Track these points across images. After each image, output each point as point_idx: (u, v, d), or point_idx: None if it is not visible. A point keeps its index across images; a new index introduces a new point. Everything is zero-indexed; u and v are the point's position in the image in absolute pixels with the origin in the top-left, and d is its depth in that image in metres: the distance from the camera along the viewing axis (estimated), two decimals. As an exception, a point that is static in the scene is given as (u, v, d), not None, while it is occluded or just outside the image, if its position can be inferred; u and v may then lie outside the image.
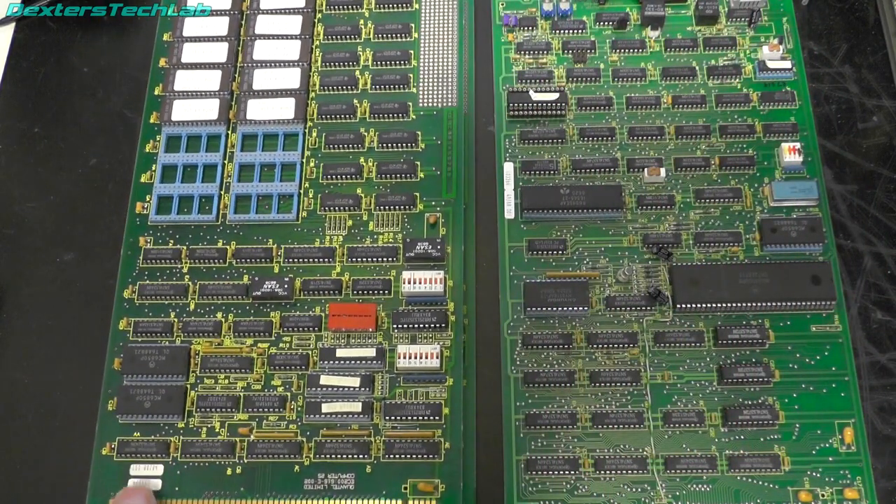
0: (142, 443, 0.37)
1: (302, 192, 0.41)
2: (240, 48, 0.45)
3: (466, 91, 0.43)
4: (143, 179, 0.42)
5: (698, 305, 0.38)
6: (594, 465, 0.35)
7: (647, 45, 0.44)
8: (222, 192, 0.42)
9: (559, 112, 0.42)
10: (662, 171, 0.41)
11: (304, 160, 0.42)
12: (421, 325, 0.38)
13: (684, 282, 0.38)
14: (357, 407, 0.36)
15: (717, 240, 0.39)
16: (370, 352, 0.37)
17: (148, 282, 0.40)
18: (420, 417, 0.36)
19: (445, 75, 0.44)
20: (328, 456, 0.36)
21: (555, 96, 0.42)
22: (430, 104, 0.43)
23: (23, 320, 0.40)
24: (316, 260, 0.40)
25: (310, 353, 0.38)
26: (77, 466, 0.37)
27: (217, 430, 0.37)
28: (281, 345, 0.38)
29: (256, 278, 0.39)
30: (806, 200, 0.40)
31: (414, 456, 0.36)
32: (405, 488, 0.35)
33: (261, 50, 0.44)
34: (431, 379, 0.37)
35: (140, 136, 0.43)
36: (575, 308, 0.38)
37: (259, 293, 0.39)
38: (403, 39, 0.45)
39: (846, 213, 0.40)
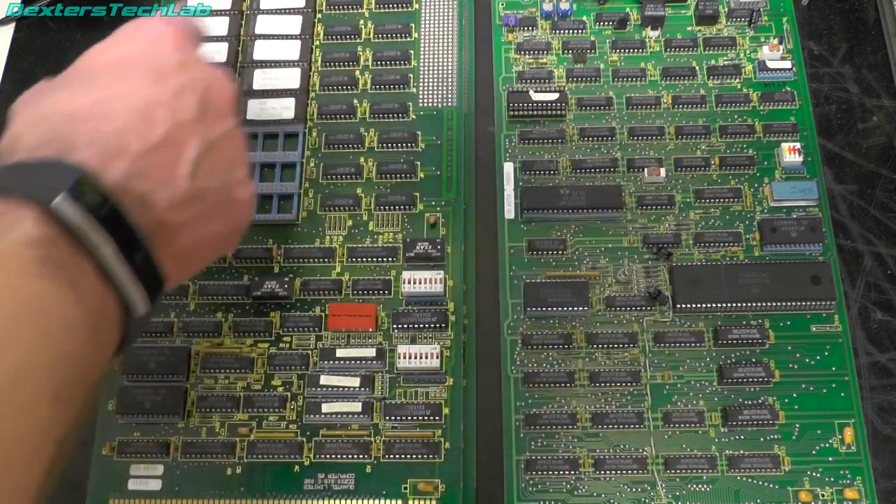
0: (142, 443, 0.37)
1: (302, 192, 0.41)
2: (240, 48, 0.45)
3: (466, 91, 0.43)
4: (143, 179, 0.42)
5: (698, 305, 0.38)
6: (594, 465, 0.35)
7: (647, 45, 0.44)
8: (222, 192, 0.42)
9: (559, 112, 0.42)
10: (662, 171, 0.41)
11: (304, 160, 0.42)
12: (421, 325, 0.38)
13: (684, 282, 0.38)
14: (357, 407, 0.36)
15: (717, 240, 0.39)
16: (370, 352, 0.37)
17: (148, 282, 0.40)
18: (420, 417, 0.36)
19: (445, 75, 0.44)
20: (328, 456, 0.36)
21: (555, 96, 0.42)
22: (430, 104, 0.43)
23: (23, 320, 0.40)
24: (316, 260, 0.40)
25: (310, 353, 0.38)
26: (77, 466, 0.37)
27: (217, 430, 0.37)
28: (281, 345, 0.38)
29: (256, 278, 0.39)
30: (806, 200, 0.40)
31: (414, 456, 0.36)
32: (405, 488, 0.35)
33: (261, 50, 0.44)
34: (431, 379, 0.37)
35: (140, 136, 0.43)
36: (575, 308, 0.38)
37: (259, 293, 0.39)
38: (403, 39, 0.45)
39: (846, 213, 0.40)
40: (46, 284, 0.22)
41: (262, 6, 0.46)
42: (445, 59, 0.44)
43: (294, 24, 0.45)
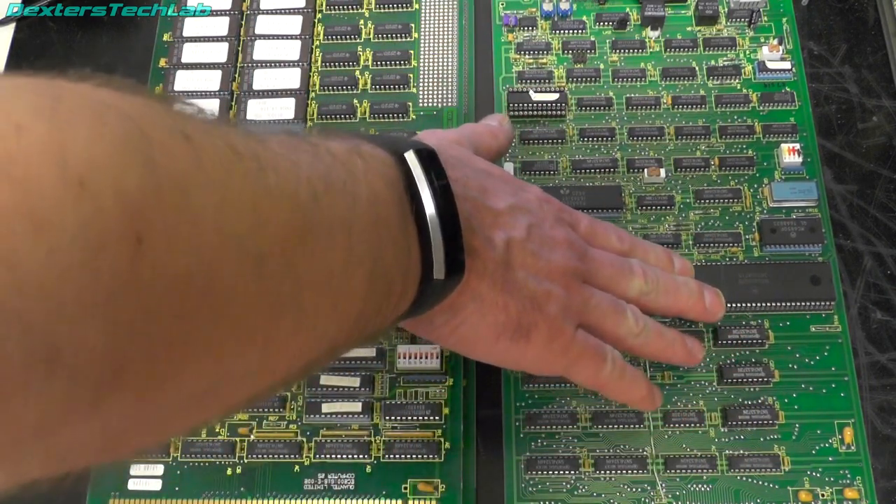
0: (142, 443, 0.36)
1: (302, 192, 0.41)
2: (240, 48, 0.45)
3: (466, 91, 0.43)
4: (143, 179, 0.42)
5: (698, 305, 0.38)
6: (594, 465, 0.35)
7: (647, 45, 0.44)
8: (222, 192, 0.42)
9: (559, 112, 0.42)
10: (662, 171, 0.41)
11: (304, 160, 0.42)
12: (421, 325, 0.38)
13: (684, 282, 0.38)
14: (357, 407, 0.36)
15: (716, 240, 0.39)
16: (370, 352, 0.37)
17: (148, 282, 0.40)
18: (420, 417, 0.36)
19: (445, 75, 0.44)
20: (328, 456, 0.36)
21: (555, 96, 0.42)
22: (430, 104, 0.43)
23: (23, 320, 0.40)
24: (316, 260, 0.40)
25: (310, 353, 0.38)
26: (77, 466, 0.37)
27: (217, 430, 0.37)
28: (281, 345, 0.38)
29: (256, 278, 0.39)
30: (805, 201, 0.40)
31: (414, 456, 0.36)
32: (405, 488, 0.35)
33: (261, 50, 0.44)
34: (431, 379, 0.37)
35: (140, 136, 0.43)
36: (575, 308, 0.38)
37: (259, 293, 0.38)
38: (403, 39, 0.45)
39: (846, 213, 0.40)
40: (390, 196, 0.26)
41: (262, 6, 0.46)
42: (445, 59, 0.44)
43: (294, 24, 0.45)
